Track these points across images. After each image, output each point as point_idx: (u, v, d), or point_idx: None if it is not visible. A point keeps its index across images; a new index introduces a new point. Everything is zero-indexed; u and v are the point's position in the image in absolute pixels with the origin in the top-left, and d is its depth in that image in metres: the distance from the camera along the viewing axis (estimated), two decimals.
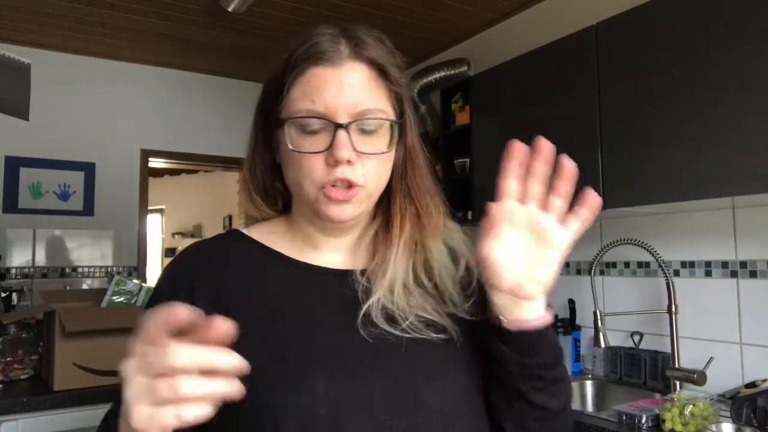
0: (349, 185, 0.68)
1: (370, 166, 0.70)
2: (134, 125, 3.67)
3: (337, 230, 0.75)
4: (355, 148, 0.68)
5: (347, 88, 0.68)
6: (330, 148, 0.67)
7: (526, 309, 0.64)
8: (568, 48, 2.15)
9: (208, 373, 0.48)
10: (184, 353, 0.46)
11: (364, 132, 0.69)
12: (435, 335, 0.70)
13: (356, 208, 0.71)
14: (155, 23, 3.05)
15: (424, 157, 0.78)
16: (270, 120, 0.74)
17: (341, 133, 0.67)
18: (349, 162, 0.67)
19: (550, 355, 0.67)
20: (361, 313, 0.69)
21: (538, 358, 0.65)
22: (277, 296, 0.72)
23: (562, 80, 2.17)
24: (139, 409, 0.47)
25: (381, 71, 0.71)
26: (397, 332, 0.68)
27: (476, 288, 0.76)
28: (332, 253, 0.77)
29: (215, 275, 0.72)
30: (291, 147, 0.69)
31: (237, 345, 0.65)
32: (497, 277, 0.62)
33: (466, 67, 3.06)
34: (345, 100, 0.68)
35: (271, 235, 0.78)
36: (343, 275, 0.74)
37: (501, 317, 0.65)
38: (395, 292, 0.71)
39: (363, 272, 0.74)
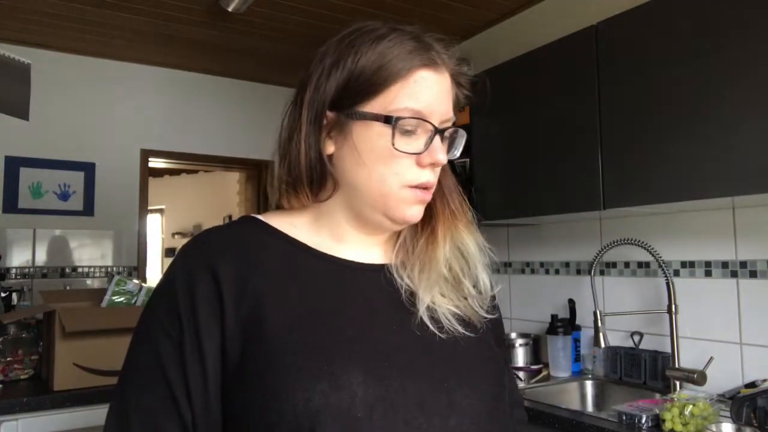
0: (426, 188, 0.72)
1: (437, 170, 0.74)
2: (134, 125, 3.67)
3: (384, 229, 0.76)
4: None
5: (444, 94, 0.71)
6: (427, 150, 0.70)
7: None
8: (568, 48, 2.15)
9: None
10: None
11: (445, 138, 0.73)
12: (467, 333, 0.72)
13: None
14: (155, 23, 3.05)
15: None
16: (344, 110, 0.70)
17: (439, 138, 0.70)
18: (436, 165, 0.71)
19: None
20: (415, 321, 0.70)
21: None
22: (311, 291, 0.69)
23: (562, 80, 2.17)
24: None
25: (456, 82, 0.75)
26: (435, 329, 0.70)
27: (491, 288, 0.79)
28: (357, 249, 0.76)
29: (240, 265, 0.68)
30: (396, 146, 0.68)
31: (271, 341, 0.64)
32: None
33: (466, 67, 3.05)
34: (442, 107, 0.71)
35: (293, 226, 0.75)
36: (379, 270, 0.74)
37: None
38: (437, 290, 0.73)
39: (397, 267, 0.75)
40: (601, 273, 2.40)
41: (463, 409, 0.67)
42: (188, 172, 6.84)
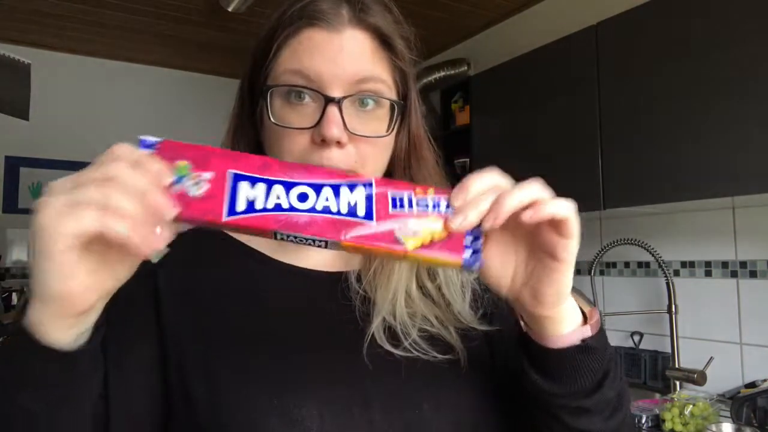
0: None
1: (365, 150, 0.59)
2: (134, 125, 3.67)
3: None
4: (348, 127, 0.57)
5: (346, 55, 0.58)
6: (318, 124, 0.56)
7: (549, 322, 0.51)
8: (568, 48, 2.15)
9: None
10: (132, 174, 0.39)
11: (360, 109, 0.59)
12: (440, 355, 0.59)
13: None
14: (155, 23, 3.05)
15: (429, 147, 0.68)
16: (254, 89, 0.63)
17: (332, 109, 0.56)
18: (338, 144, 0.57)
19: (590, 380, 0.52)
20: (367, 337, 0.58)
21: (573, 385, 0.52)
22: (260, 305, 0.60)
23: (562, 80, 2.17)
24: (49, 206, 0.39)
25: (385, 42, 0.61)
26: (399, 352, 0.58)
27: (487, 298, 0.66)
28: (316, 252, 0.64)
29: (184, 271, 0.60)
30: (273, 119, 0.58)
31: (213, 364, 0.55)
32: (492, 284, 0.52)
33: (466, 67, 3.05)
34: (342, 69, 0.57)
35: None
36: (336, 280, 0.63)
37: (525, 330, 0.54)
38: (398, 303, 0.61)
39: (358, 276, 0.63)
40: (601, 273, 2.40)
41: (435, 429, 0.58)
42: None
